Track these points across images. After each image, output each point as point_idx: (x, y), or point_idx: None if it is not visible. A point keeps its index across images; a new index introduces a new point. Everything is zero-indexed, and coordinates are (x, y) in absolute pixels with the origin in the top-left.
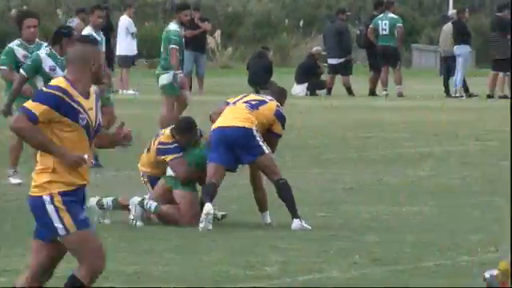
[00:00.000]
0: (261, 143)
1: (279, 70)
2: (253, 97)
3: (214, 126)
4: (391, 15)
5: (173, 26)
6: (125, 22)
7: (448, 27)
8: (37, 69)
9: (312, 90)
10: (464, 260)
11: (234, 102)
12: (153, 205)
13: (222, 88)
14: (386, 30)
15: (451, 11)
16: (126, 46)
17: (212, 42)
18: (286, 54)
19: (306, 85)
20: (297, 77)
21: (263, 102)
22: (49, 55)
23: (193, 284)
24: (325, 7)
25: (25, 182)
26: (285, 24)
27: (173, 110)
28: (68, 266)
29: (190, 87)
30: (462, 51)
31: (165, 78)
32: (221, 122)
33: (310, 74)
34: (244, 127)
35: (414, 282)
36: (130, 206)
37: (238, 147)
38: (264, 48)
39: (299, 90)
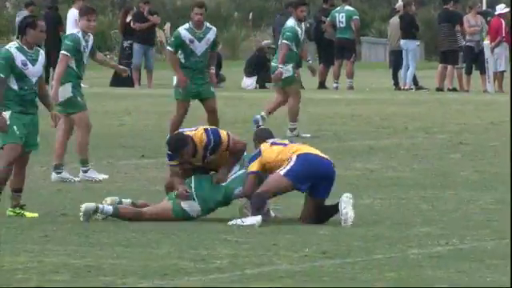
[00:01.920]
0: None
1: (229, 63)
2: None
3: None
4: (348, 8)
5: (290, 22)
6: (73, 15)
7: (395, 20)
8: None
9: (261, 84)
10: (413, 253)
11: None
12: (110, 208)
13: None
14: (342, 22)
15: (398, 4)
16: None
17: (161, 35)
18: (235, 47)
19: (255, 78)
20: (246, 70)
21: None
22: (18, 49)
23: (142, 277)
24: (274, 0)
25: None
26: (234, 17)
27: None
28: (15, 260)
29: (139, 80)
30: (409, 46)
31: (286, 71)
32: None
33: (259, 67)
34: None
35: (363, 274)
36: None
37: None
38: None
39: (248, 83)
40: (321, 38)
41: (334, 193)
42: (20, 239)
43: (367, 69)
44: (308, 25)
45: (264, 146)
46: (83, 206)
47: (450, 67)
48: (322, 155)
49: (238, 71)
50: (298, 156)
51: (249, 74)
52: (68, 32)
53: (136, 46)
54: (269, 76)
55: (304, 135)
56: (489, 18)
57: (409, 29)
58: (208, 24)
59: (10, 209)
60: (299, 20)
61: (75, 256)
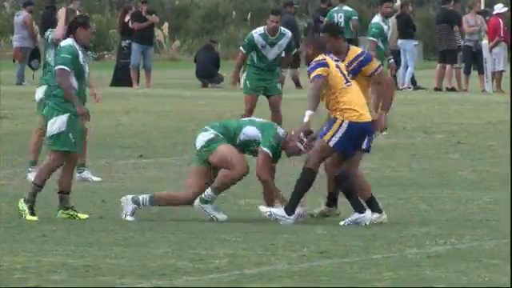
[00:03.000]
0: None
1: (227, 63)
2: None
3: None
4: (346, 8)
5: (376, 19)
6: None
7: (393, 20)
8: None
9: None
10: (411, 253)
11: None
12: (146, 197)
13: (170, 81)
14: (341, 22)
15: (396, 4)
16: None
17: (160, 34)
18: (234, 46)
19: None
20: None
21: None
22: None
23: (141, 277)
24: (272, 0)
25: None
26: (232, 17)
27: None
28: (14, 260)
29: (138, 80)
30: (406, 46)
31: None
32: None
33: None
34: None
35: (361, 274)
36: (122, 203)
37: None
38: (212, 41)
39: None
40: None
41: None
42: (18, 239)
43: None
44: (306, 25)
45: (329, 61)
46: (125, 206)
47: (448, 67)
48: (369, 118)
49: None
50: (350, 126)
51: None
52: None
53: (134, 46)
54: None
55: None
56: (487, 18)
57: (406, 29)
58: (283, 29)
59: (62, 211)
60: (385, 16)
61: (73, 256)
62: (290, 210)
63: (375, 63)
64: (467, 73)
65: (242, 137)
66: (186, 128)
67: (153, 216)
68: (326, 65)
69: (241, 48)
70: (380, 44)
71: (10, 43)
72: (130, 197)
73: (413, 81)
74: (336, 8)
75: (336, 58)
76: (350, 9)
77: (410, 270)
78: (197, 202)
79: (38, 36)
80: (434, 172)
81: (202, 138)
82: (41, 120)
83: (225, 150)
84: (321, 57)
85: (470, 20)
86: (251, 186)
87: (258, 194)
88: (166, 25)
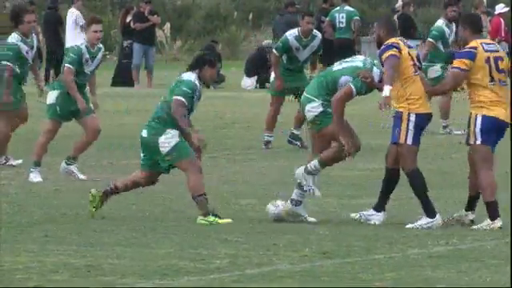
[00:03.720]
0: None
1: (228, 63)
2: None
3: None
4: (348, 8)
5: (439, 22)
6: (73, 14)
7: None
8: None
9: (261, 83)
10: (413, 253)
11: None
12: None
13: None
14: (342, 22)
15: (398, 4)
16: (74, 38)
17: (161, 35)
18: (235, 46)
19: (255, 78)
20: (246, 70)
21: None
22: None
23: (142, 277)
24: (274, 0)
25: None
26: (234, 17)
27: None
28: (16, 260)
29: (139, 80)
30: None
31: (434, 71)
32: None
33: (259, 67)
34: None
35: (363, 274)
36: (299, 178)
37: None
38: (213, 41)
39: (249, 83)
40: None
41: (335, 192)
42: (20, 239)
43: None
44: None
45: (403, 47)
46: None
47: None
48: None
49: (238, 71)
50: (418, 117)
51: (249, 73)
52: (68, 31)
53: (136, 46)
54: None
55: (456, 132)
56: (489, 18)
57: (407, 29)
58: (314, 31)
59: (201, 218)
60: (449, 20)
61: (75, 256)
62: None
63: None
64: None
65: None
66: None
67: (154, 216)
68: (398, 48)
69: (274, 50)
70: (440, 46)
71: None
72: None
73: None
74: (338, 8)
75: (410, 44)
76: (352, 9)
77: (411, 270)
78: (300, 169)
79: (40, 36)
80: (436, 172)
81: (312, 111)
82: (49, 123)
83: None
84: (393, 40)
85: None
86: (253, 186)
87: (259, 194)
88: (167, 25)
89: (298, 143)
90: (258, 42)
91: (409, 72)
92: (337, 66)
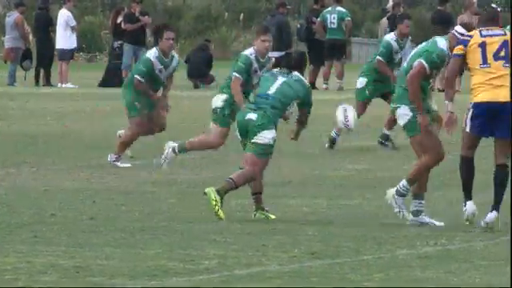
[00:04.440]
0: None
1: (219, 64)
2: None
3: None
4: (339, 8)
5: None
6: (64, 15)
7: (385, 21)
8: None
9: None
10: (402, 253)
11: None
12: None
13: None
14: (334, 23)
15: (389, 4)
16: (65, 39)
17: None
18: (225, 47)
19: None
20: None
21: None
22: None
23: (131, 278)
24: (265, 1)
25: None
26: (225, 18)
27: None
28: (4, 260)
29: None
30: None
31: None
32: None
33: None
34: None
35: (352, 275)
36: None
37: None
38: (206, 40)
39: None
40: (311, 38)
41: (324, 193)
42: (9, 239)
43: (358, 69)
44: (299, 26)
45: (475, 38)
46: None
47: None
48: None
49: (228, 71)
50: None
51: None
52: (59, 32)
53: (126, 47)
54: None
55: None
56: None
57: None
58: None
59: (261, 212)
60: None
61: (64, 257)
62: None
63: None
64: (459, 74)
65: None
66: (179, 129)
67: (143, 217)
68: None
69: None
70: None
71: (2, 44)
72: None
73: None
74: (329, 9)
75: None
76: (344, 10)
77: (400, 270)
78: (391, 192)
79: (31, 36)
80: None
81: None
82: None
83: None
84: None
85: (464, 19)
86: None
87: (248, 194)
88: None
89: (389, 144)
90: (249, 43)
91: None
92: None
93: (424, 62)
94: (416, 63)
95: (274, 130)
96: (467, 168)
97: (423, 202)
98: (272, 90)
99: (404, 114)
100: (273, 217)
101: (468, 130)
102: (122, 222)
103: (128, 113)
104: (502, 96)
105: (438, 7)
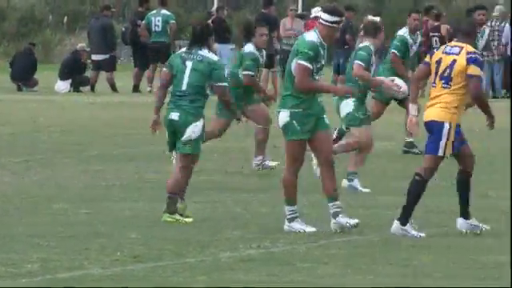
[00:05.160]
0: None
1: (43, 67)
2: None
3: None
4: (164, 11)
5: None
6: None
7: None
8: None
9: (76, 87)
10: (225, 256)
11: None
12: None
13: None
14: (158, 26)
15: (214, 8)
16: None
17: None
18: (49, 50)
19: (69, 81)
20: (60, 73)
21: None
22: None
23: None
24: (89, 3)
25: None
26: (49, 20)
27: None
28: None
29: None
30: (222, 50)
31: None
32: None
33: (73, 70)
34: None
35: (174, 278)
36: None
37: None
38: (30, 44)
39: (63, 86)
40: (136, 41)
41: (146, 196)
42: None
43: None
44: (123, 29)
45: (437, 53)
46: None
47: (265, 71)
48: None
49: (53, 74)
50: None
51: (63, 77)
52: None
53: None
54: (85, 79)
55: None
56: (304, 21)
57: (221, 33)
58: None
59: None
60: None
61: None
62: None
63: None
64: (283, 76)
65: None
66: (1, 132)
67: None
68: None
69: None
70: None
71: None
72: None
73: None
74: (154, 11)
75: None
76: (169, 12)
77: (223, 273)
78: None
79: None
80: (252, 175)
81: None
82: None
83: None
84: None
85: (286, 24)
86: (66, 190)
87: (72, 198)
88: None
89: (416, 150)
90: (73, 46)
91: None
92: None
93: (303, 62)
94: (294, 65)
95: (198, 123)
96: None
97: (294, 208)
98: (184, 85)
99: (282, 118)
100: (189, 220)
101: None
102: None
103: None
104: (429, 115)
105: (263, 10)
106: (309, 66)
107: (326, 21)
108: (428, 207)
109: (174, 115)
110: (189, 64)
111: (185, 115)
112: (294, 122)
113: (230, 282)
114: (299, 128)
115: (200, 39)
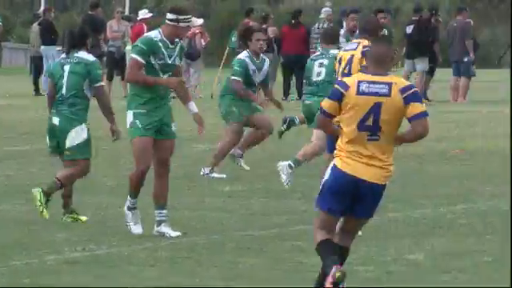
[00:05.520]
0: None
1: None
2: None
3: None
4: None
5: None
6: None
7: (36, 26)
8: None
9: None
10: (51, 259)
11: None
12: None
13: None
14: None
15: (40, 9)
16: None
17: None
18: None
19: None
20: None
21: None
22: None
23: None
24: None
25: None
26: None
27: None
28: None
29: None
30: (47, 53)
31: None
32: None
33: None
34: None
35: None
36: None
37: None
38: None
39: None
40: None
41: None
42: None
43: (8, 74)
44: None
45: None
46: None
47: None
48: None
49: None
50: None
51: None
52: None
53: None
54: None
55: None
56: (131, 24)
57: (48, 35)
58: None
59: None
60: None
61: None
62: None
63: None
64: (110, 79)
65: None
66: None
67: None
68: None
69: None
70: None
71: None
72: None
73: None
74: None
75: None
76: None
77: (49, 276)
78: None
79: None
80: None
81: None
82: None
83: None
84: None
85: (113, 26)
86: None
87: None
88: None
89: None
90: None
91: None
92: None
93: (133, 55)
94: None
95: (81, 126)
96: None
97: (164, 211)
98: (64, 90)
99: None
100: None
101: None
102: None
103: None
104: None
105: (89, 12)
106: (138, 59)
107: (170, 20)
108: (251, 210)
109: (55, 120)
110: (66, 68)
111: (64, 120)
112: (137, 121)
113: (55, 284)
114: (141, 126)
115: (77, 42)
